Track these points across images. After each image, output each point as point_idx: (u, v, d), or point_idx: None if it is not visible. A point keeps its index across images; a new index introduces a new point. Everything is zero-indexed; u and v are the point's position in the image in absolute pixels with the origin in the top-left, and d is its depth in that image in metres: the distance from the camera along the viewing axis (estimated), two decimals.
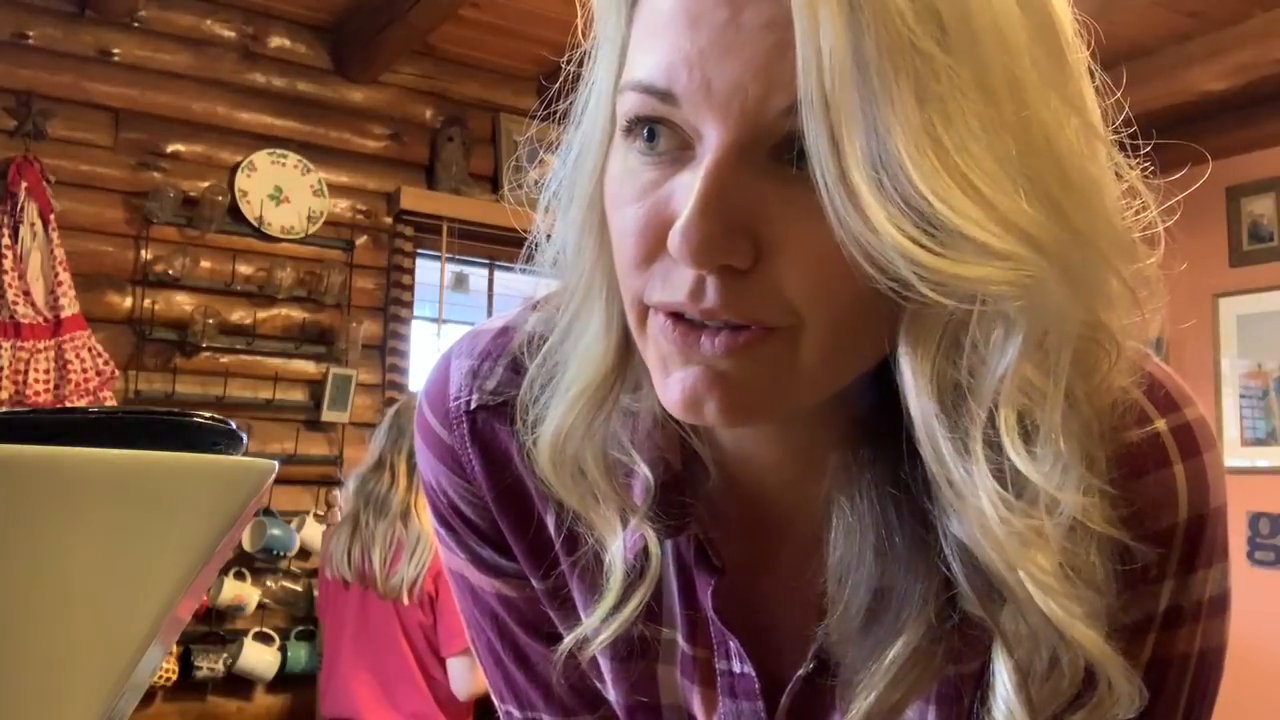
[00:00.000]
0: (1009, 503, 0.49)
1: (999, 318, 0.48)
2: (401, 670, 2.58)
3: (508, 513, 0.68)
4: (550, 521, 0.66)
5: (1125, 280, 0.50)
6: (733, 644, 0.64)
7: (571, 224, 0.57)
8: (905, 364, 0.50)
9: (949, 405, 0.50)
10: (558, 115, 0.60)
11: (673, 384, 0.51)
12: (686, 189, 0.49)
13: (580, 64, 0.58)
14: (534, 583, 0.69)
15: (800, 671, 0.63)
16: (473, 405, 0.66)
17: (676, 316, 0.51)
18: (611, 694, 0.70)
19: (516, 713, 0.74)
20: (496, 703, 0.76)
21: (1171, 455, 0.58)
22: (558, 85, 0.60)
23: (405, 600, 2.55)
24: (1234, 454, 3.94)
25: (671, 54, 0.48)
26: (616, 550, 0.61)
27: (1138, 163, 0.52)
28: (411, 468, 2.60)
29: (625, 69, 0.53)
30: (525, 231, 0.63)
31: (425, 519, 2.56)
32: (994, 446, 0.49)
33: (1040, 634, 0.53)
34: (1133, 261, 0.51)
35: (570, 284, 0.59)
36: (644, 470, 0.61)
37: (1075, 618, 0.50)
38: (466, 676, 2.56)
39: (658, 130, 0.50)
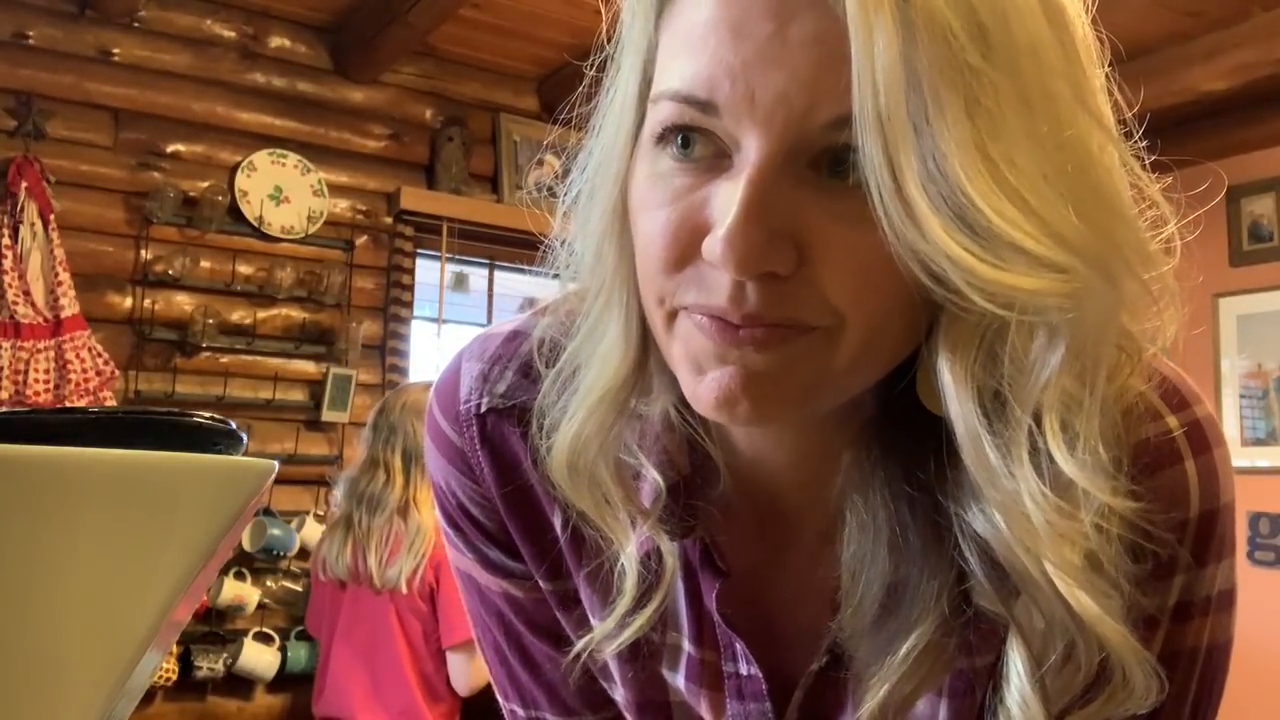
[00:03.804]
0: (1052, 502, 0.50)
1: (1041, 327, 0.49)
2: (392, 667, 2.58)
3: (516, 515, 0.68)
4: (558, 524, 0.67)
5: (1147, 288, 0.51)
6: (739, 646, 0.65)
7: (592, 230, 0.57)
8: (945, 369, 0.51)
9: (989, 409, 0.50)
10: (575, 121, 0.60)
11: (706, 384, 0.51)
12: (725, 197, 0.49)
13: (600, 68, 0.58)
14: (541, 584, 0.70)
15: (814, 666, 0.63)
16: (483, 408, 0.67)
17: (712, 315, 0.51)
18: (620, 693, 0.71)
19: (521, 711, 0.75)
20: (501, 700, 0.77)
21: (1183, 452, 0.59)
22: (580, 90, 0.59)
23: (404, 590, 2.55)
24: (1234, 454, 3.90)
25: (713, 64, 0.48)
26: (630, 556, 0.61)
27: (1144, 165, 0.53)
28: (407, 464, 2.59)
29: (657, 77, 0.52)
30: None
31: (425, 513, 2.56)
32: (1035, 449, 0.50)
33: (1056, 626, 0.54)
34: (1153, 269, 0.52)
35: (590, 289, 0.59)
36: (652, 474, 0.61)
37: (1103, 611, 0.51)
38: (466, 670, 2.55)
39: (693, 138, 0.50)
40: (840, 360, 0.50)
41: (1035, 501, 0.50)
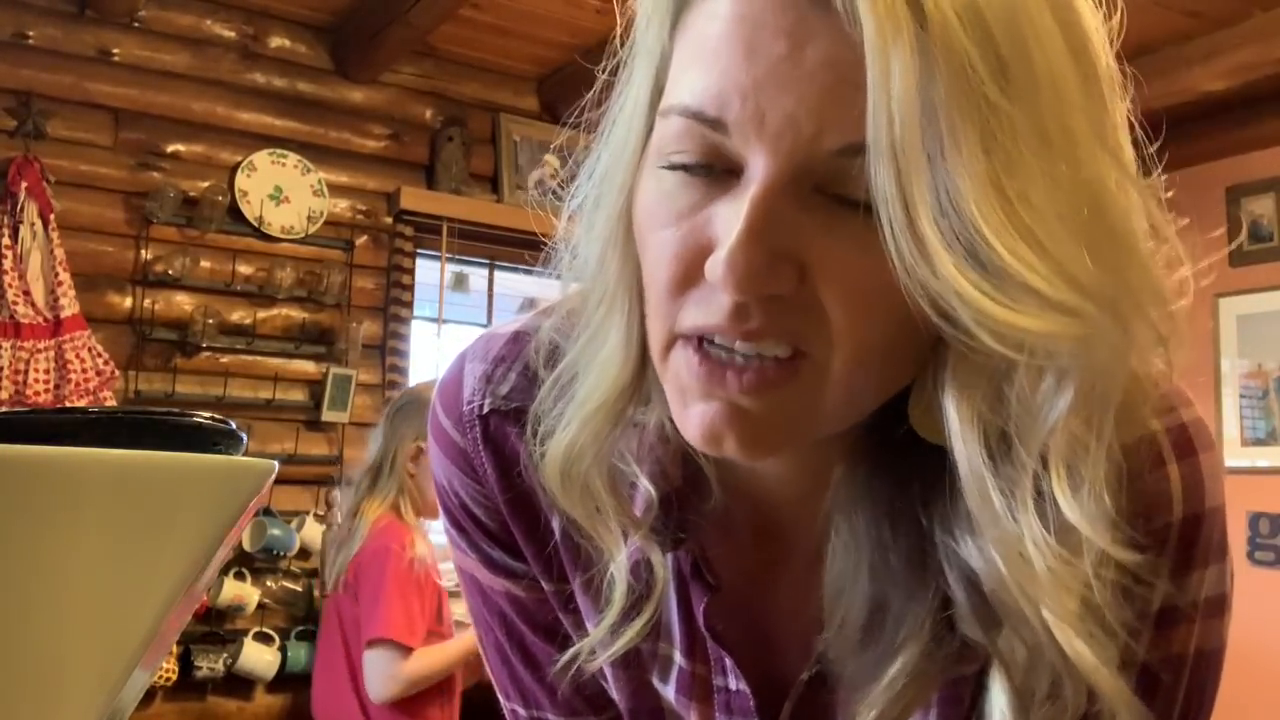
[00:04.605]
0: (1055, 550, 0.49)
1: (1050, 369, 0.48)
2: (341, 667, 2.57)
3: (518, 515, 0.68)
4: (556, 527, 0.66)
5: (1157, 330, 0.50)
6: (728, 661, 0.64)
7: (596, 237, 0.57)
8: (951, 407, 0.50)
9: (994, 450, 0.50)
10: (584, 124, 0.59)
11: (692, 416, 0.51)
12: (728, 216, 0.48)
13: (613, 73, 0.57)
14: (543, 585, 0.70)
15: (802, 676, 0.63)
16: (485, 409, 0.67)
17: (703, 351, 0.50)
18: (616, 698, 0.71)
19: (522, 711, 0.75)
20: (503, 700, 0.77)
21: (1166, 455, 0.58)
22: (592, 94, 0.59)
23: (329, 589, 2.56)
24: (1234, 454, 3.93)
25: (723, 81, 0.48)
26: (620, 565, 0.61)
27: (1161, 184, 0.52)
28: (379, 467, 2.55)
29: (668, 88, 0.52)
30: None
31: (369, 517, 2.52)
32: (1039, 493, 0.49)
33: (1040, 661, 0.53)
34: (1165, 309, 0.51)
35: (591, 296, 0.58)
36: (645, 484, 0.61)
37: (1099, 661, 0.50)
38: (376, 674, 2.43)
39: (699, 155, 0.50)
40: (829, 396, 0.50)
41: (1038, 547, 0.49)
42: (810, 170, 0.47)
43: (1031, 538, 0.49)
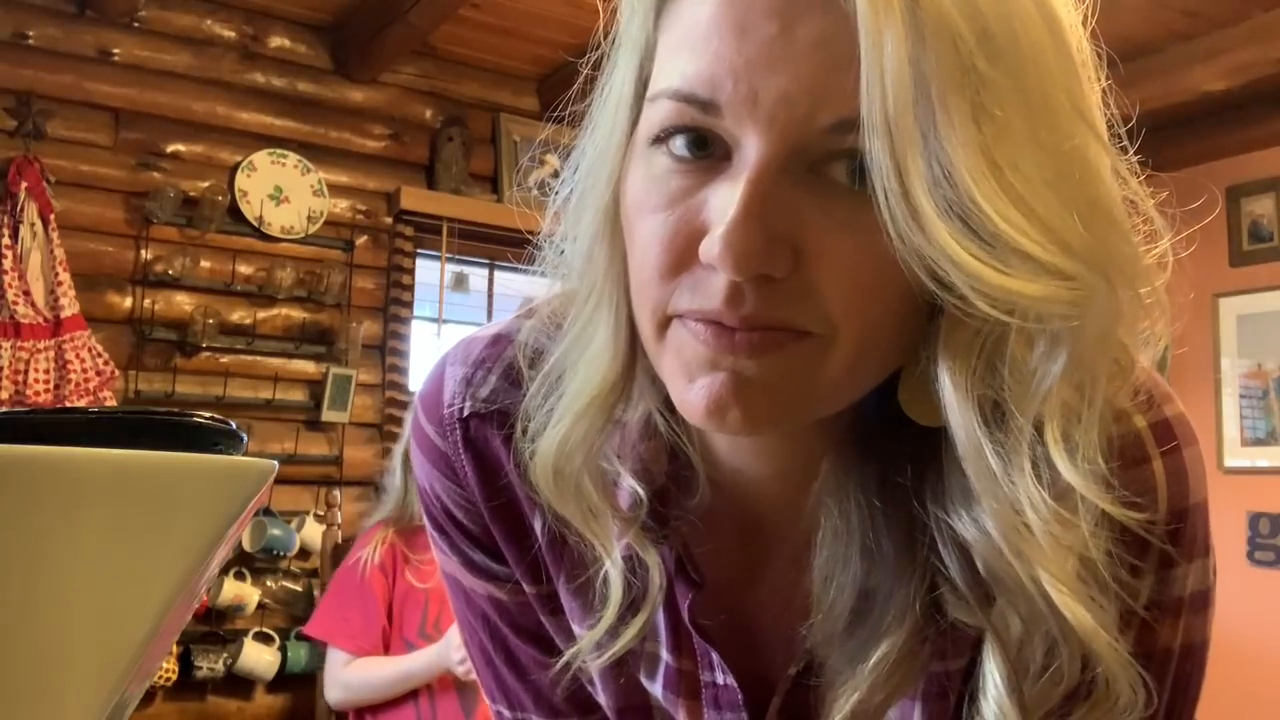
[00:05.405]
0: (1053, 511, 0.49)
1: (1042, 336, 0.48)
2: None
3: (500, 519, 0.68)
4: (538, 528, 0.66)
5: (1140, 300, 0.51)
6: (714, 656, 0.64)
7: (584, 231, 0.56)
8: (945, 378, 0.50)
9: (989, 418, 0.50)
10: (569, 118, 0.59)
11: (697, 390, 0.51)
12: (723, 198, 0.48)
13: (595, 66, 0.57)
14: (525, 587, 0.70)
15: (790, 670, 0.63)
16: (466, 412, 0.67)
17: (707, 320, 0.50)
18: (602, 698, 0.70)
19: (507, 713, 0.75)
20: (488, 702, 0.77)
21: (1150, 451, 0.59)
22: (575, 87, 0.59)
23: None
24: (1234, 454, 3.93)
25: (715, 64, 0.48)
26: (616, 562, 0.61)
27: (1136, 163, 0.53)
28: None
29: (655, 75, 0.52)
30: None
31: (368, 522, 2.47)
32: (1036, 459, 0.50)
33: (1036, 634, 0.53)
34: (1146, 282, 0.51)
35: (579, 291, 0.58)
36: (629, 482, 0.61)
37: (1098, 624, 0.51)
38: (326, 676, 2.26)
39: (691, 139, 0.50)
40: (832, 369, 0.50)
41: (1036, 510, 0.49)
42: (804, 149, 0.47)
43: (1030, 501, 0.49)
